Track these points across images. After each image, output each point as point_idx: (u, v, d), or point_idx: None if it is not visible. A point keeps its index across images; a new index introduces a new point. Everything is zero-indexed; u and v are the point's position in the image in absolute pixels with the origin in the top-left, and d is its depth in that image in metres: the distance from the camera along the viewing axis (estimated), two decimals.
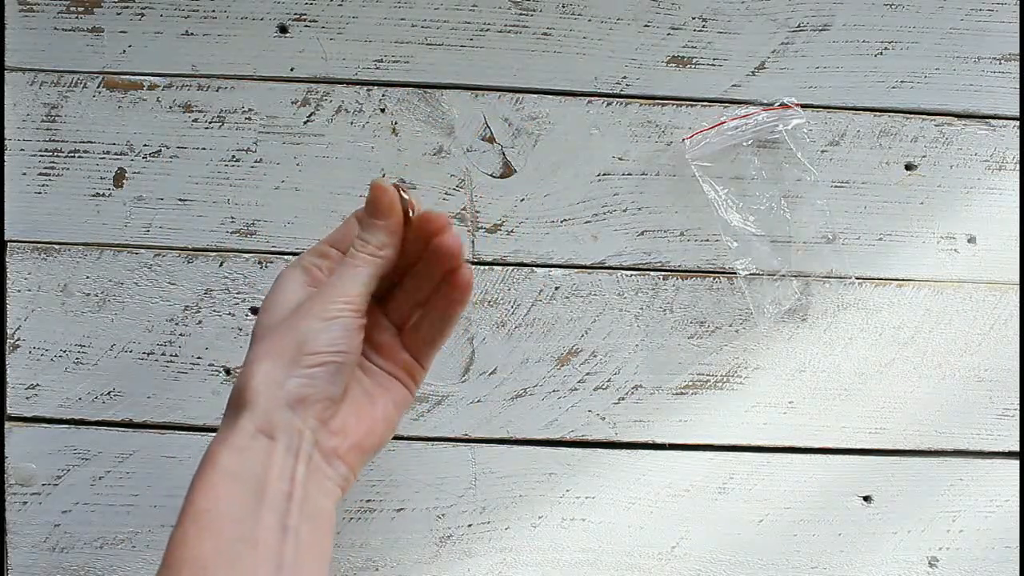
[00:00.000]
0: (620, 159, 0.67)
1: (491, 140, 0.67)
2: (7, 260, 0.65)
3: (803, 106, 0.67)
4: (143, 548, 0.66)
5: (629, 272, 0.67)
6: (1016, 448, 0.68)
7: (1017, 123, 0.68)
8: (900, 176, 0.68)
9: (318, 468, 0.48)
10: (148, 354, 0.66)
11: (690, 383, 0.67)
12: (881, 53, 0.68)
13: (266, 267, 0.66)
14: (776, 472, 0.68)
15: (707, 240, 0.67)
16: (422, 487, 0.66)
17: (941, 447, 0.68)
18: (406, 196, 0.51)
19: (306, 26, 0.66)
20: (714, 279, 0.67)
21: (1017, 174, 0.68)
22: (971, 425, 0.68)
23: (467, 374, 0.67)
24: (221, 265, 0.66)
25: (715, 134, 0.66)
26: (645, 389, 0.67)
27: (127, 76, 0.65)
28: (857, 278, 0.68)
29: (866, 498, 0.68)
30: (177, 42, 0.65)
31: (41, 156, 0.65)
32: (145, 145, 0.65)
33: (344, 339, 0.47)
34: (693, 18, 0.67)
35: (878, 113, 0.68)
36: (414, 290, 0.53)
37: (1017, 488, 0.68)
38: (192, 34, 0.65)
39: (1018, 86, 0.68)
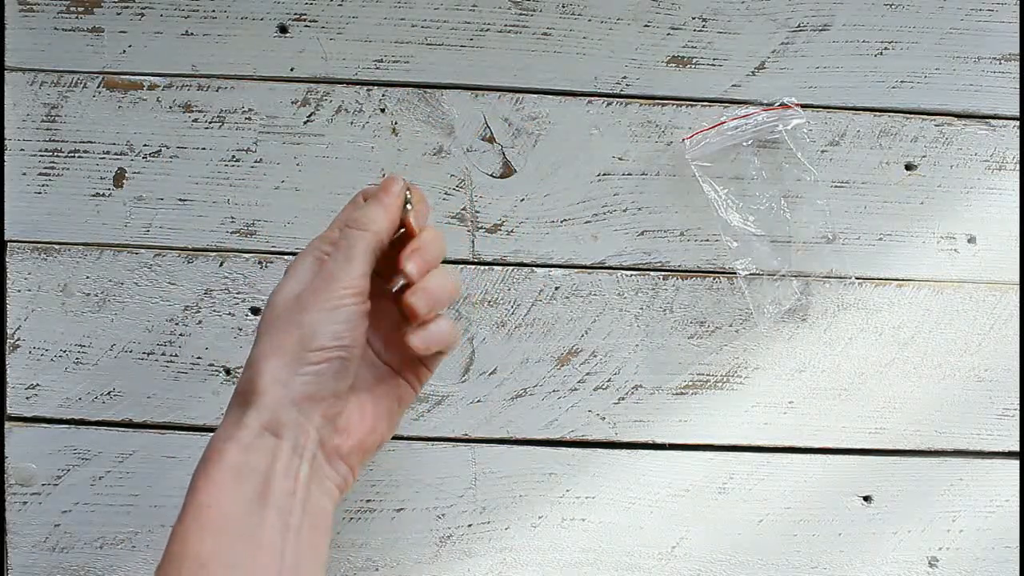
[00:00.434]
0: (620, 159, 0.67)
1: (491, 140, 0.67)
2: (7, 260, 0.65)
3: (803, 106, 0.67)
4: (143, 548, 0.66)
5: (629, 272, 0.67)
6: (1016, 448, 0.68)
7: (1017, 123, 0.68)
8: (900, 176, 0.68)
9: (320, 468, 0.48)
10: (148, 354, 0.66)
11: (690, 383, 0.67)
12: (881, 53, 0.68)
13: (266, 267, 0.66)
14: (776, 472, 0.68)
15: (707, 240, 0.67)
16: (422, 487, 0.66)
17: (941, 447, 0.68)
18: (409, 192, 0.51)
19: (306, 26, 0.66)
20: (714, 279, 0.67)
21: (1017, 174, 0.68)
22: (971, 425, 0.68)
23: (467, 374, 0.67)
24: (221, 265, 0.66)
25: (715, 134, 0.66)
26: (645, 389, 0.67)
27: (127, 76, 0.65)
28: (857, 278, 0.68)
29: (866, 498, 0.68)
30: (177, 42, 0.65)
31: (41, 156, 0.65)
32: (145, 145, 0.65)
33: (348, 331, 0.47)
34: (693, 18, 0.67)
35: (878, 113, 0.68)
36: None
37: (1017, 488, 0.68)
38: (192, 34, 0.65)
39: (1018, 86, 0.68)
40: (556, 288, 0.67)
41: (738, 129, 0.66)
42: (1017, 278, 0.68)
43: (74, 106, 0.65)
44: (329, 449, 0.48)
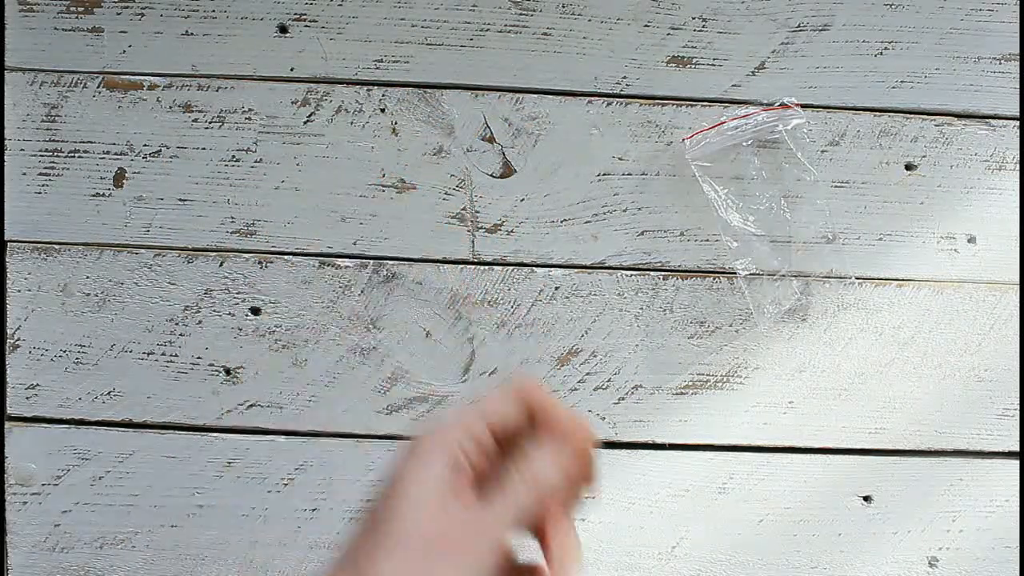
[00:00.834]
0: (620, 159, 0.67)
1: (491, 140, 0.67)
2: (7, 260, 0.65)
3: (803, 106, 0.67)
4: (143, 548, 0.66)
5: (629, 272, 0.67)
6: (1016, 448, 0.68)
7: (1017, 123, 0.68)
8: (900, 176, 0.68)
9: None
10: (148, 354, 0.66)
11: (690, 383, 0.67)
12: (881, 53, 0.68)
13: (266, 267, 0.66)
14: (776, 472, 0.68)
15: (707, 240, 0.67)
16: None
17: (941, 447, 0.68)
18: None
19: (306, 26, 0.66)
20: (714, 279, 0.67)
21: (1017, 174, 0.68)
22: (971, 425, 0.68)
23: (467, 374, 0.67)
24: (221, 265, 0.66)
25: (715, 134, 0.66)
26: (645, 389, 0.67)
27: (127, 76, 0.65)
28: (857, 278, 0.68)
29: (866, 498, 0.68)
30: (177, 42, 0.65)
31: (41, 156, 0.65)
32: (145, 145, 0.65)
33: None
34: (693, 18, 0.67)
35: (878, 113, 0.68)
36: None
37: (1017, 488, 0.68)
38: (192, 34, 0.65)
39: (1018, 86, 0.68)
40: (556, 288, 0.67)
41: (738, 129, 0.66)
42: (1017, 278, 0.68)
43: (74, 106, 0.65)
44: None
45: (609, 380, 0.67)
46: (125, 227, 0.65)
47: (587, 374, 0.67)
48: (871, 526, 0.68)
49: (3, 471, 0.65)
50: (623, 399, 0.67)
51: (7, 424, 0.65)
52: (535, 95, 0.67)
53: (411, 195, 0.66)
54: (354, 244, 0.66)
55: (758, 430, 0.68)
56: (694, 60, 0.67)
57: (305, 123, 0.66)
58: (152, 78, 0.65)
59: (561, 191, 0.67)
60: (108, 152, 0.65)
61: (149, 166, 0.65)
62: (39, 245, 0.65)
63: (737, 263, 0.66)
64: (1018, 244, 0.68)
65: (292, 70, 0.66)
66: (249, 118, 0.66)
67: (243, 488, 0.66)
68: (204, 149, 0.66)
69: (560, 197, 0.67)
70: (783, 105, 0.66)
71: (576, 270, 0.67)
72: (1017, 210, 0.68)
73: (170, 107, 0.65)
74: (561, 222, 0.67)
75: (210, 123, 0.65)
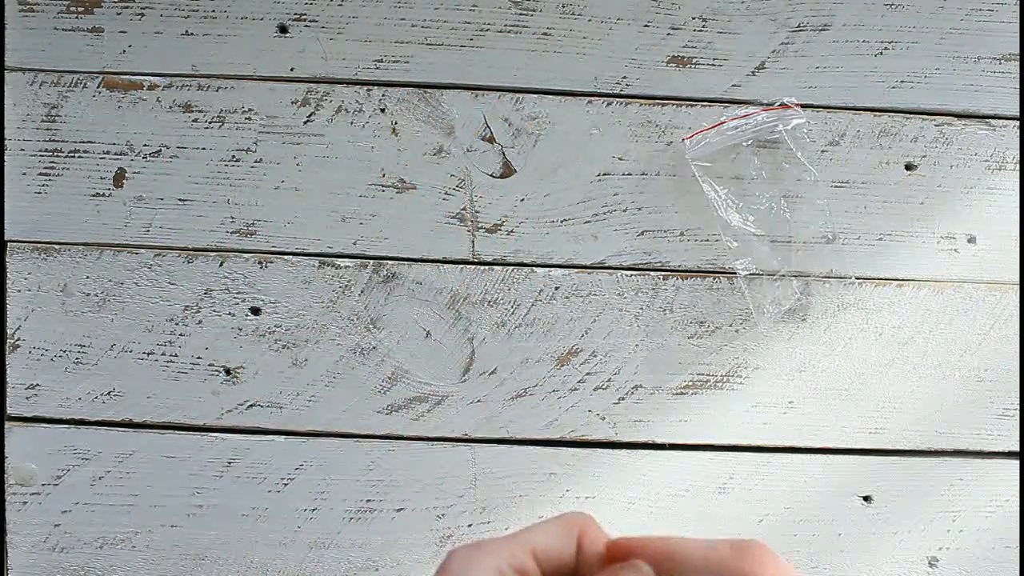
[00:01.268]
0: (620, 159, 0.67)
1: (491, 140, 0.67)
2: (7, 260, 0.65)
3: (803, 106, 0.67)
4: (143, 548, 0.66)
5: (629, 272, 0.67)
6: (1016, 448, 0.68)
7: (1017, 123, 0.68)
8: (900, 176, 0.68)
9: None
10: (148, 354, 0.66)
11: (690, 383, 0.67)
12: (881, 53, 0.68)
13: (266, 267, 0.66)
14: (776, 472, 0.68)
15: (707, 240, 0.67)
16: (422, 487, 0.66)
17: (941, 447, 0.68)
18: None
19: (306, 26, 0.66)
20: (714, 279, 0.67)
21: (1017, 174, 0.68)
22: (971, 425, 0.68)
23: (467, 374, 0.67)
24: (221, 265, 0.66)
25: (715, 134, 0.66)
26: (645, 389, 0.67)
27: (127, 76, 0.65)
28: (857, 278, 0.68)
29: (866, 498, 0.68)
30: (177, 42, 0.65)
31: (41, 156, 0.65)
32: (145, 145, 0.65)
33: None
34: (693, 18, 0.67)
35: (878, 113, 0.68)
36: None
37: (1017, 488, 0.68)
38: (192, 34, 0.65)
39: (1018, 86, 0.68)
40: (556, 288, 0.67)
41: (738, 129, 0.66)
42: (1017, 278, 0.68)
43: (74, 106, 0.65)
44: None
45: (609, 380, 0.67)
46: (125, 227, 0.65)
47: (587, 374, 0.67)
48: (871, 526, 0.68)
49: (3, 471, 0.65)
50: (623, 399, 0.67)
51: (7, 424, 0.65)
52: (535, 95, 0.67)
53: (411, 195, 0.66)
54: (354, 244, 0.66)
55: (758, 430, 0.68)
56: (694, 60, 0.67)
57: (305, 123, 0.66)
58: (152, 78, 0.65)
59: (561, 191, 0.67)
60: (108, 152, 0.65)
61: (149, 166, 0.65)
62: (39, 245, 0.65)
63: (737, 263, 0.66)
64: (1018, 244, 0.68)
65: (292, 70, 0.66)
66: (249, 118, 0.66)
67: (243, 488, 0.66)
68: (204, 149, 0.66)
69: (560, 197, 0.67)
70: (783, 105, 0.66)
71: (576, 270, 0.67)
72: (1017, 210, 0.68)
73: (170, 107, 0.65)
74: (561, 222, 0.67)
75: (210, 123, 0.65)
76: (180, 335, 0.66)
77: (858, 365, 0.68)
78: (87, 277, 0.65)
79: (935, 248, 0.68)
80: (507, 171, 0.67)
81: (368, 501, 0.66)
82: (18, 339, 0.65)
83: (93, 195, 0.65)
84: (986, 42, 0.68)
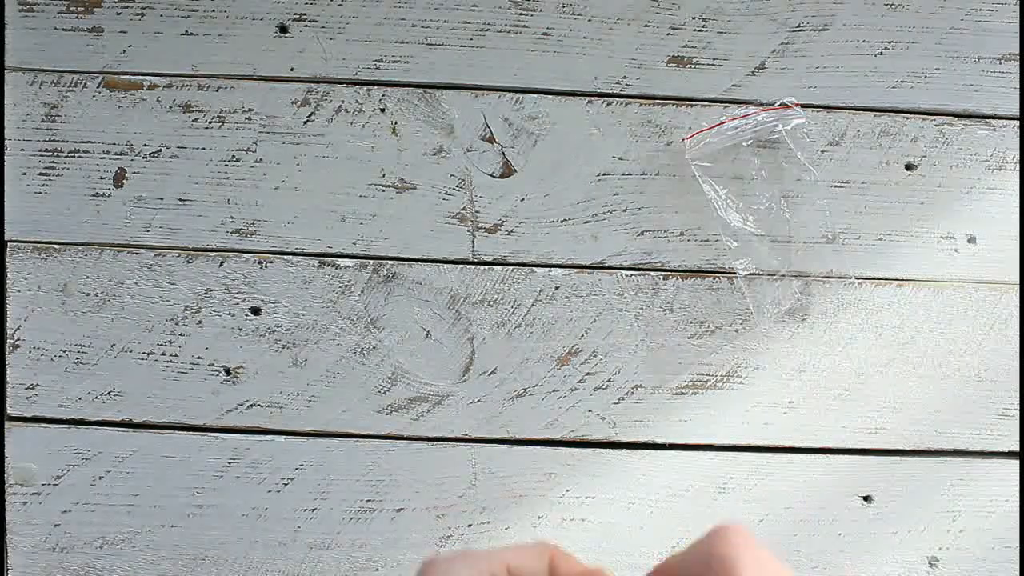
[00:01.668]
0: (620, 159, 0.67)
1: (491, 140, 0.67)
2: (7, 260, 0.65)
3: (803, 106, 0.67)
4: (143, 548, 0.66)
5: (629, 272, 0.67)
6: (1016, 448, 0.68)
7: (1017, 123, 0.68)
8: (900, 176, 0.68)
9: None
10: (148, 354, 0.66)
11: (690, 383, 0.67)
12: (881, 53, 0.68)
13: (266, 267, 0.66)
14: (776, 472, 0.68)
15: (707, 240, 0.67)
16: (422, 487, 0.66)
17: (941, 447, 0.68)
18: None
19: (306, 26, 0.66)
20: (714, 279, 0.67)
21: (1017, 174, 0.68)
22: (971, 425, 0.68)
23: (467, 374, 0.67)
24: (221, 265, 0.66)
25: (715, 134, 0.66)
26: (645, 389, 0.67)
27: (127, 76, 0.65)
28: (857, 278, 0.68)
29: (866, 498, 0.68)
30: (177, 42, 0.65)
31: (41, 156, 0.65)
32: (145, 145, 0.65)
33: None
34: (693, 18, 0.67)
35: (878, 113, 0.68)
36: None
37: (1017, 488, 0.68)
38: (192, 34, 0.65)
39: (1018, 86, 0.68)
40: (556, 288, 0.67)
41: (738, 129, 0.66)
42: (1017, 278, 0.68)
43: (74, 106, 0.65)
44: None
45: (609, 380, 0.67)
46: (125, 227, 0.65)
47: (587, 374, 0.67)
48: (871, 526, 0.68)
49: (3, 471, 0.65)
50: (623, 399, 0.67)
51: (7, 424, 0.65)
52: (535, 95, 0.67)
53: (411, 195, 0.66)
54: (354, 244, 0.66)
55: (758, 430, 0.68)
56: (694, 60, 0.67)
57: (305, 123, 0.66)
58: (152, 78, 0.65)
59: (561, 191, 0.67)
60: (108, 152, 0.65)
61: (149, 166, 0.65)
62: (39, 245, 0.65)
63: (737, 263, 0.66)
64: (1018, 244, 0.68)
65: (292, 70, 0.66)
66: (249, 118, 0.66)
67: (243, 488, 0.66)
68: (204, 149, 0.66)
69: (560, 197, 0.67)
70: (783, 105, 0.66)
71: (576, 270, 0.67)
72: (1017, 210, 0.68)
73: (170, 107, 0.65)
74: (561, 222, 0.67)
75: (210, 123, 0.65)
76: (180, 335, 0.66)
77: (858, 365, 0.68)
78: (87, 277, 0.65)
79: (935, 248, 0.68)
80: (507, 171, 0.67)
81: (368, 501, 0.66)
82: (18, 339, 0.65)
83: (93, 195, 0.65)
84: (986, 42, 0.68)
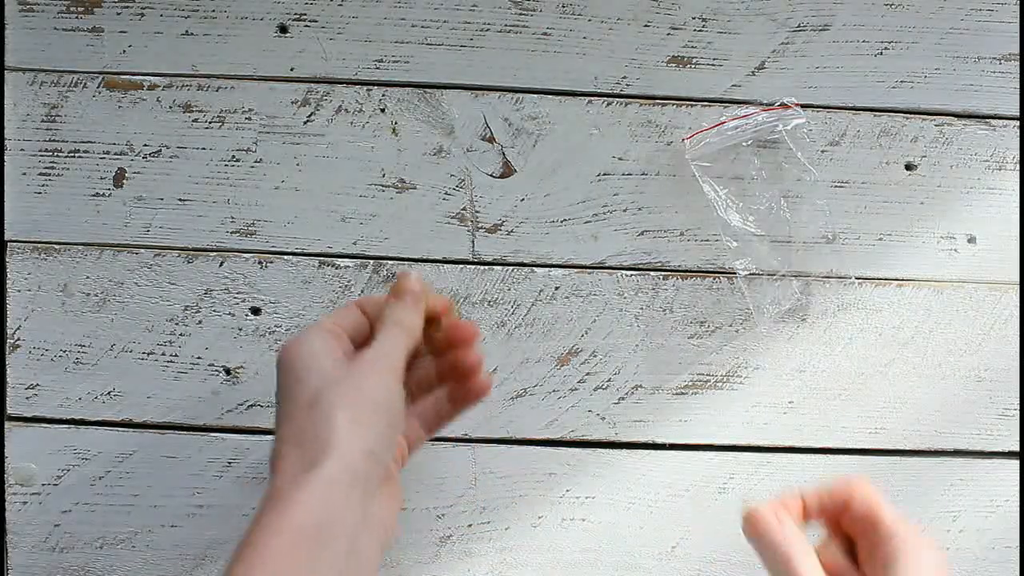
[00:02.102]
0: (620, 159, 0.67)
1: (491, 140, 0.67)
2: (7, 260, 0.65)
3: (803, 106, 0.67)
4: (143, 548, 0.66)
5: (629, 272, 0.67)
6: (1016, 448, 0.68)
7: (1017, 123, 0.68)
8: (900, 176, 0.68)
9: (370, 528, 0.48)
10: (148, 354, 0.66)
11: (690, 383, 0.67)
12: (881, 53, 0.68)
13: (266, 267, 0.66)
14: (776, 472, 0.68)
15: (707, 240, 0.67)
16: (422, 487, 0.66)
17: (941, 447, 0.68)
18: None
19: (306, 26, 0.66)
20: (714, 279, 0.67)
21: (1017, 174, 0.68)
22: (971, 425, 0.68)
23: None
24: (221, 265, 0.66)
25: (715, 134, 0.66)
26: (645, 389, 0.67)
27: (127, 76, 0.65)
28: (857, 278, 0.68)
29: None
30: (177, 42, 0.65)
31: (41, 156, 0.65)
32: (145, 145, 0.65)
33: (401, 409, 0.49)
34: (693, 18, 0.67)
35: (878, 113, 0.68)
36: (434, 366, 0.56)
37: (1017, 488, 0.68)
38: (192, 34, 0.65)
39: (1018, 86, 0.68)
40: (556, 288, 0.67)
41: (738, 129, 0.66)
42: (1017, 278, 0.68)
43: (74, 106, 0.65)
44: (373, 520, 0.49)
45: (609, 380, 0.67)
46: (125, 227, 0.66)
47: (587, 374, 0.67)
48: None
49: (3, 471, 0.65)
50: (623, 399, 0.67)
51: (7, 424, 0.65)
52: (535, 95, 0.67)
53: (411, 195, 0.66)
54: (354, 244, 0.66)
55: (758, 430, 0.68)
56: (694, 60, 0.67)
57: (305, 123, 0.66)
58: (152, 78, 0.65)
59: (561, 191, 0.67)
60: (108, 152, 0.65)
61: (149, 166, 0.65)
62: (39, 245, 0.65)
63: (737, 263, 0.66)
64: (1018, 244, 0.68)
65: (292, 70, 0.66)
66: (249, 118, 0.66)
67: (243, 488, 0.66)
68: (204, 149, 0.66)
69: (560, 197, 0.67)
70: (783, 105, 0.66)
71: (576, 270, 0.67)
72: (1017, 210, 0.68)
73: (170, 107, 0.65)
74: (561, 222, 0.67)
75: (210, 123, 0.65)
76: (180, 335, 0.66)
77: (858, 365, 0.68)
78: (87, 277, 0.65)
79: (935, 248, 0.68)
80: (507, 171, 0.67)
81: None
82: (18, 339, 0.65)
83: (93, 195, 0.65)
84: (986, 42, 0.68)
